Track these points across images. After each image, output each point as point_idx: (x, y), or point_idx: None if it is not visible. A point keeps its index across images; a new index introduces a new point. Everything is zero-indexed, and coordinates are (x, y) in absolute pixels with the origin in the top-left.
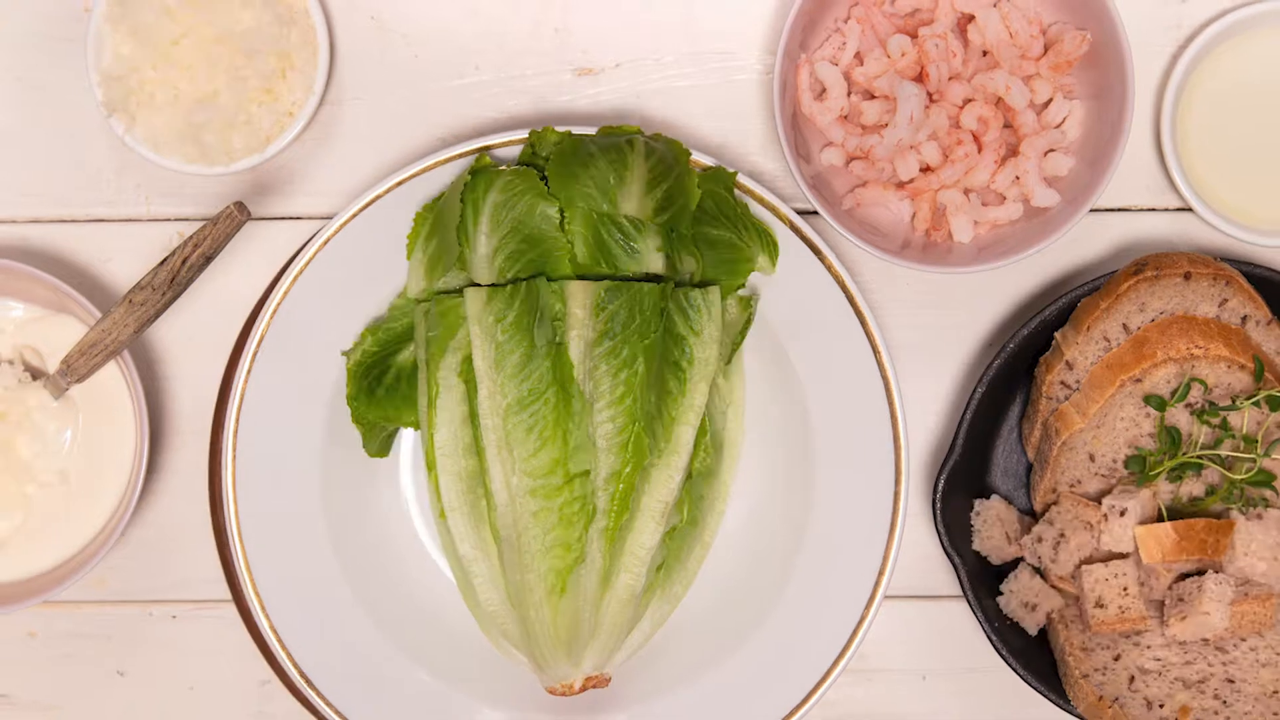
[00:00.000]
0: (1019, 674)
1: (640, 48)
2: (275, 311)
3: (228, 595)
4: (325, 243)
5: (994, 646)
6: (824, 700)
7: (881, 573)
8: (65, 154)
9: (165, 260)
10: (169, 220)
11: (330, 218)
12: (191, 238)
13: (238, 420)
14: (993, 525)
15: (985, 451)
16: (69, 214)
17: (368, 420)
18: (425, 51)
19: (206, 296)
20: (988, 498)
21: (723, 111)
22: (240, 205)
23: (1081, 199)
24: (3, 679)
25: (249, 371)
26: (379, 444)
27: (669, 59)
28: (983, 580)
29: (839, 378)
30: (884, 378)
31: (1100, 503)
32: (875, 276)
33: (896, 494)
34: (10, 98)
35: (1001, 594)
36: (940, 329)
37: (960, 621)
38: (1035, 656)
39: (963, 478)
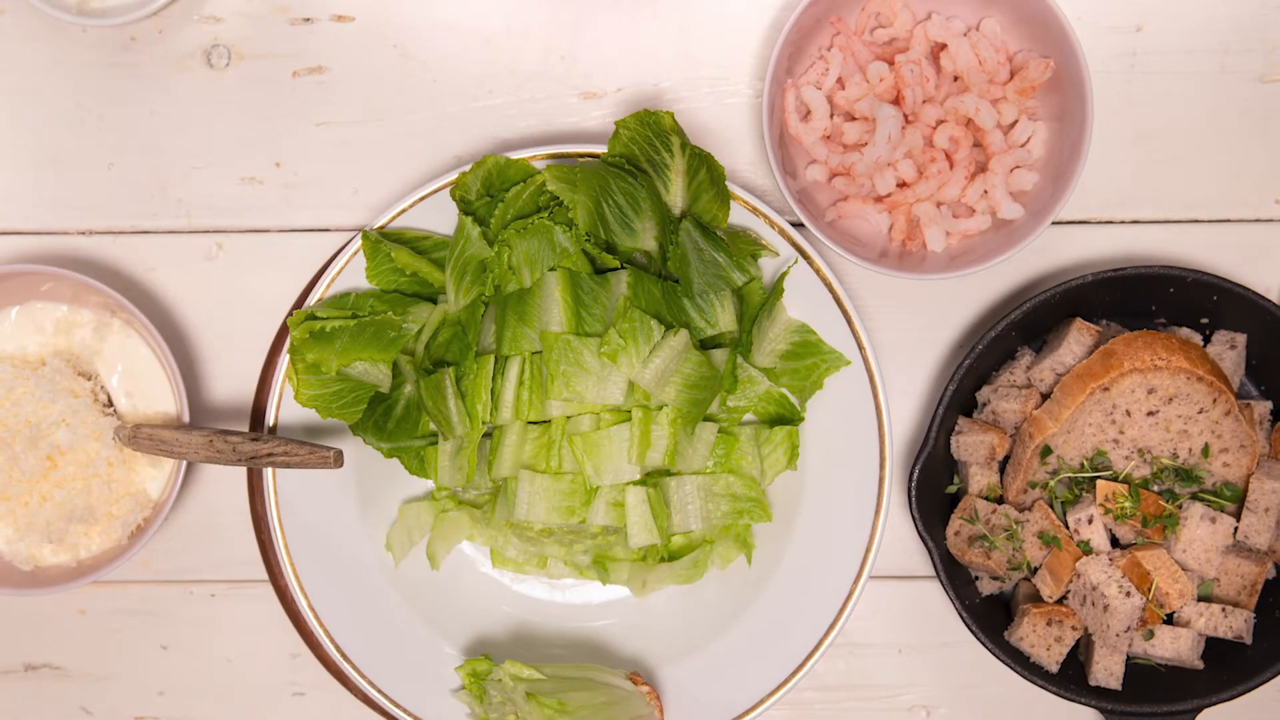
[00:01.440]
0: (988, 648)
1: (640, 74)
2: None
3: (263, 575)
4: (358, 250)
5: (965, 623)
6: (811, 672)
7: (866, 555)
8: (113, 171)
9: (262, 440)
10: (208, 232)
11: (357, 229)
12: (289, 447)
13: (277, 412)
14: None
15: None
16: (116, 226)
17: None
18: (443, 77)
19: (243, 301)
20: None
21: (716, 132)
22: (339, 455)
23: (1044, 212)
24: (55, 652)
25: (286, 369)
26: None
27: (666, 84)
28: (954, 562)
29: (828, 376)
30: (869, 375)
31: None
32: (855, 283)
33: (881, 482)
34: (69, 120)
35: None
36: (915, 332)
37: (933, 600)
38: (1002, 631)
39: (936, 468)
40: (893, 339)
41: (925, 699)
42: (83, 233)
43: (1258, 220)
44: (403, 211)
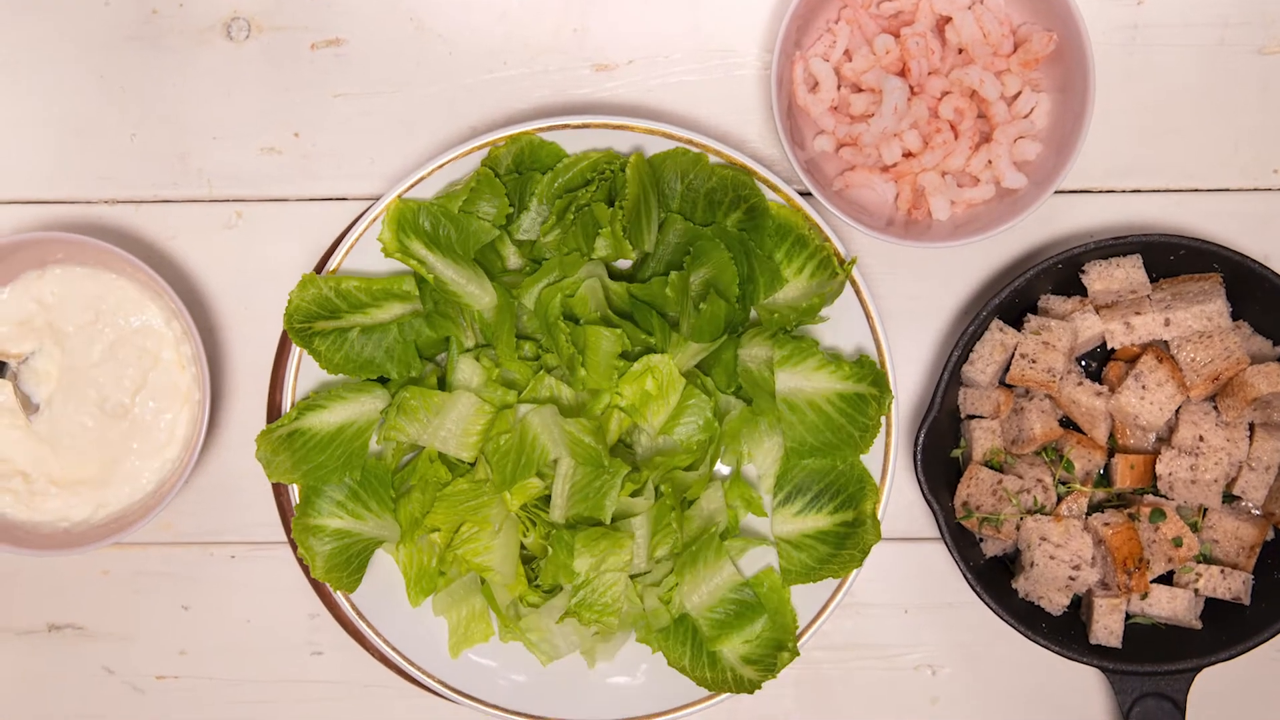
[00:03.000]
0: (992, 609)
1: (651, 47)
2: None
3: (282, 537)
4: (376, 218)
5: (970, 584)
6: (819, 631)
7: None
8: (135, 141)
9: None
10: (228, 201)
11: (374, 198)
12: None
13: (296, 376)
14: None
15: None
16: (138, 195)
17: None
18: (459, 50)
19: (262, 268)
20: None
21: (725, 104)
22: None
23: (1048, 181)
24: (79, 612)
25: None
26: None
27: (677, 56)
28: (960, 525)
29: (838, 341)
30: (876, 341)
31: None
32: (862, 252)
33: (887, 447)
34: (93, 92)
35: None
36: (921, 300)
37: (939, 562)
38: (1005, 592)
39: (941, 433)
40: (899, 307)
41: (930, 658)
42: (106, 201)
43: (1256, 189)
44: (421, 180)
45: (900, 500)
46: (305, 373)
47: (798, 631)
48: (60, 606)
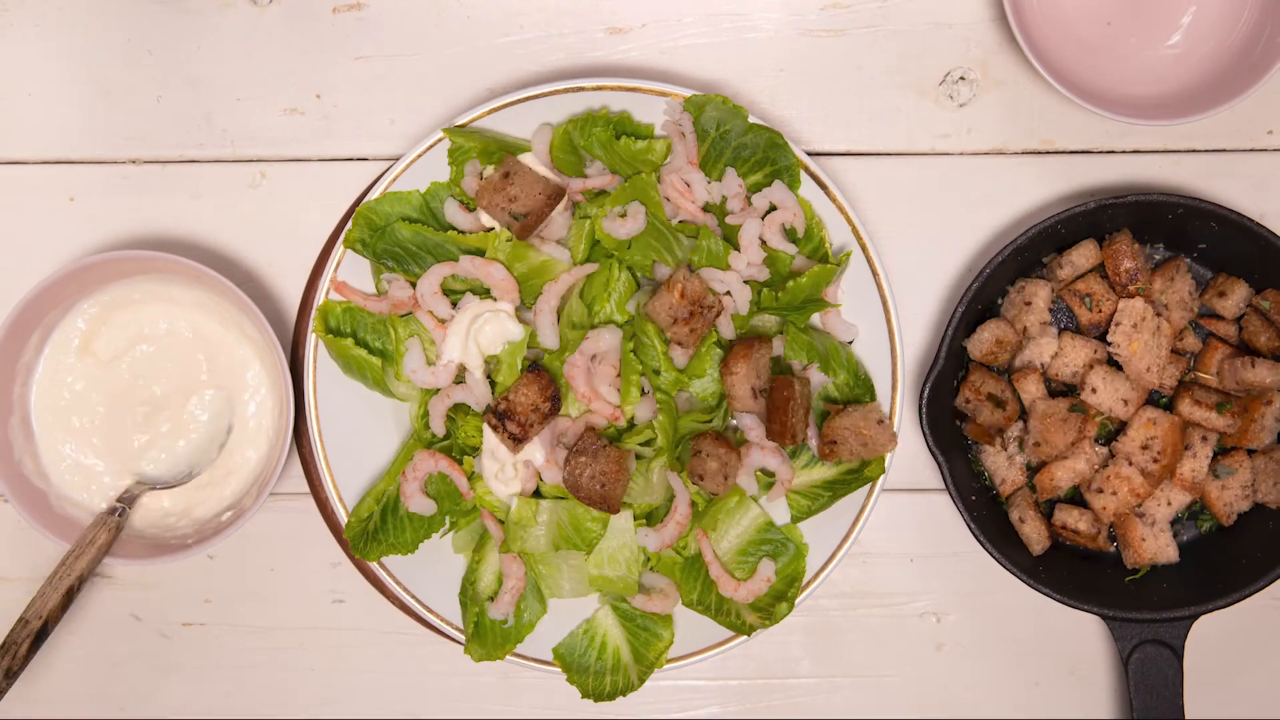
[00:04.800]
0: (994, 556)
1: (664, 10)
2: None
3: (305, 489)
4: (397, 177)
5: (973, 533)
6: (827, 580)
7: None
8: (161, 103)
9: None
10: (252, 161)
11: (394, 158)
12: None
13: (316, 390)
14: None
15: (963, 364)
16: (163, 155)
17: None
18: (476, 13)
19: (285, 226)
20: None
21: (736, 67)
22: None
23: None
24: (107, 562)
25: (326, 293)
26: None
27: (689, 20)
28: (963, 476)
29: (845, 298)
30: (882, 298)
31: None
32: (874, 218)
33: (893, 402)
34: (120, 55)
35: None
36: (928, 259)
37: (943, 512)
38: (1007, 542)
39: (946, 388)
40: (908, 261)
41: (935, 606)
42: (132, 161)
43: (1252, 150)
44: (440, 140)
45: (905, 452)
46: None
47: (807, 579)
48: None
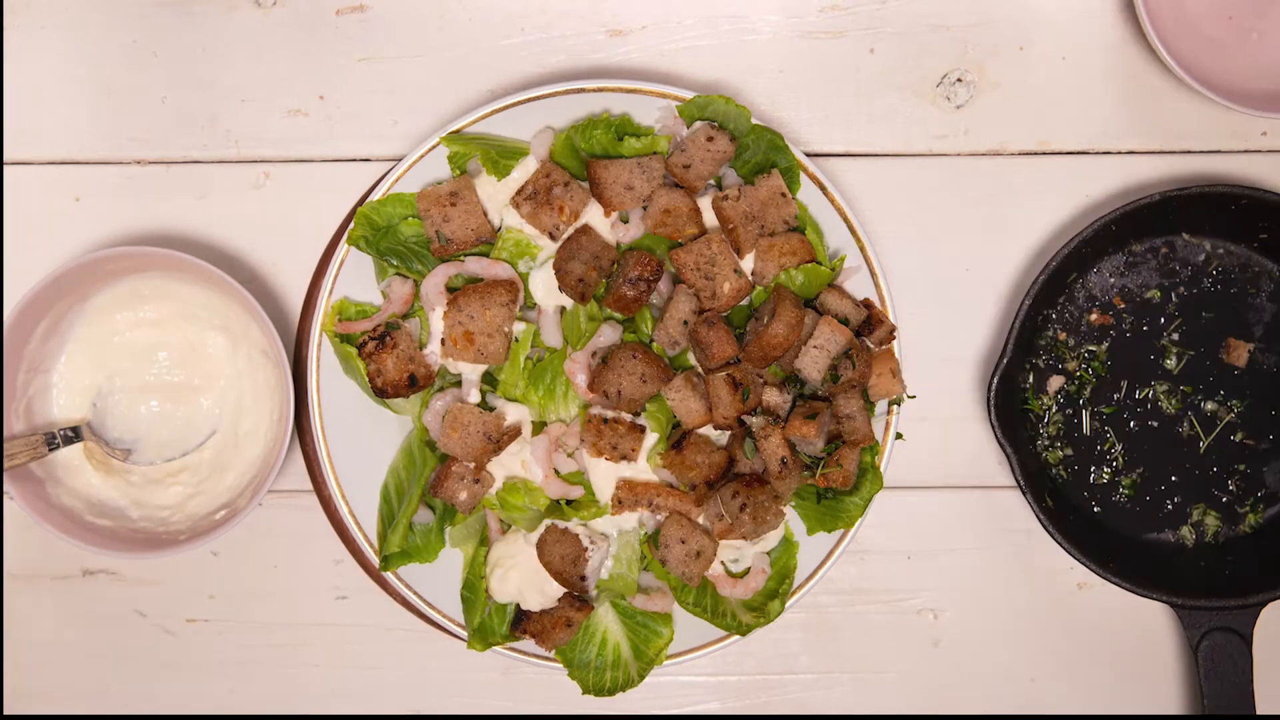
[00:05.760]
0: (1064, 548)
1: (664, 12)
2: (332, 289)
3: (308, 485)
4: (399, 178)
5: (1042, 525)
6: (825, 577)
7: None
8: (166, 104)
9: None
10: (256, 162)
11: (397, 159)
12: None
13: (320, 333)
14: None
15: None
16: (168, 156)
17: None
18: (478, 15)
19: (288, 227)
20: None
21: (736, 69)
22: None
23: None
24: (112, 558)
25: (330, 293)
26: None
27: (689, 22)
28: (1032, 470)
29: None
30: (880, 297)
31: None
32: (871, 216)
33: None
34: (125, 56)
35: None
36: (923, 260)
37: (939, 509)
38: (1076, 533)
39: (1012, 380)
40: (904, 264)
41: (932, 603)
42: (137, 162)
43: (1246, 151)
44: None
45: (902, 449)
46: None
47: (804, 576)
48: (94, 552)
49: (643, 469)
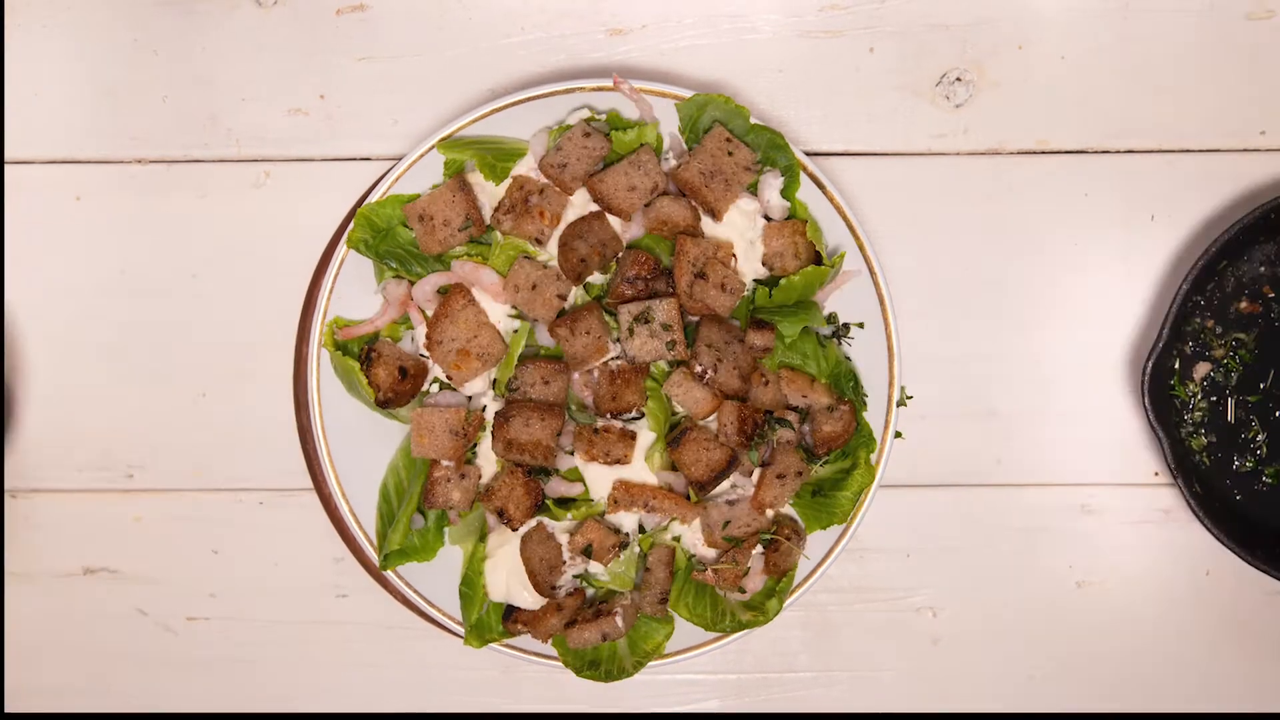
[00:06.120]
0: (1214, 534)
1: (664, 11)
2: (330, 296)
3: (308, 484)
4: (399, 177)
5: (1193, 511)
6: (825, 575)
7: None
8: (167, 103)
9: None
10: (256, 161)
11: (397, 158)
12: None
13: (320, 327)
14: None
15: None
16: (169, 155)
17: None
18: (478, 14)
19: (289, 226)
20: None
21: (735, 68)
22: None
23: None
24: (112, 557)
25: (330, 291)
26: None
27: (689, 21)
28: (1185, 460)
29: (840, 299)
30: (879, 295)
31: None
32: (869, 215)
33: (890, 399)
34: (126, 56)
35: None
36: (921, 259)
37: (939, 507)
38: (1225, 520)
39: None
40: (903, 263)
41: (931, 601)
42: (138, 161)
43: (1245, 150)
44: (444, 139)
45: (898, 446)
46: (327, 389)
47: (803, 576)
48: (95, 551)
49: (639, 469)
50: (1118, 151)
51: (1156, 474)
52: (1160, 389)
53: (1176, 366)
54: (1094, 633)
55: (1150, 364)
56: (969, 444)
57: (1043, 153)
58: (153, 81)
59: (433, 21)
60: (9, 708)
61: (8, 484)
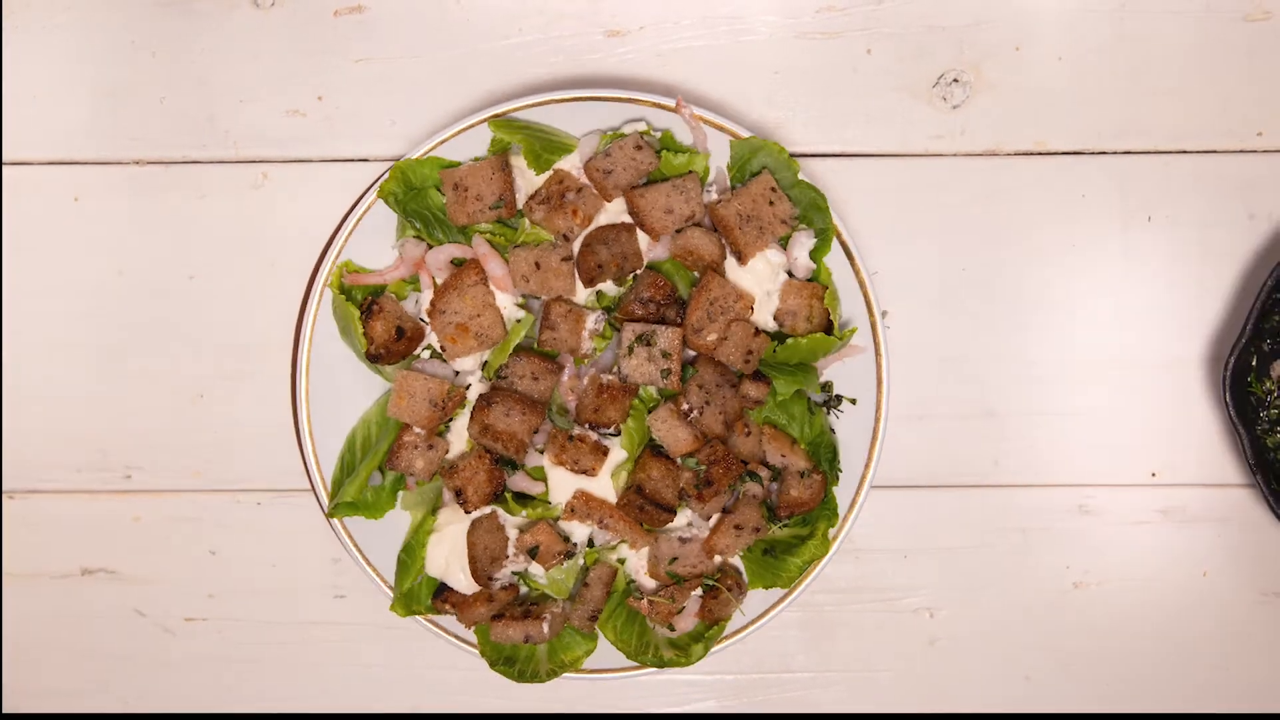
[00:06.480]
0: None
1: (661, 13)
2: (348, 239)
3: (306, 485)
4: (444, 140)
5: (1273, 511)
6: (821, 575)
7: (868, 467)
8: (165, 104)
9: None
10: (254, 162)
11: (395, 159)
12: None
13: (313, 330)
14: None
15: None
16: (167, 156)
17: None
18: (476, 16)
19: (287, 226)
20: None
21: (732, 69)
22: None
23: None
24: (111, 557)
25: (321, 294)
26: None
27: (686, 23)
28: (1263, 457)
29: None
30: (879, 380)
31: None
32: (865, 215)
33: (878, 406)
34: (124, 57)
35: None
36: (916, 259)
37: (936, 506)
38: None
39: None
40: (897, 265)
41: (928, 601)
42: (136, 162)
43: (1242, 151)
44: (442, 143)
45: (895, 447)
46: (321, 326)
47: (736, 628)
48: (93, 551)
49: (603, 484)
50: (1115, 152)
51: (1154, 475)
52: (1239, 386)
53: (1254, 363)
54: (1091, 633)
55: (1231, 361)
56: (966, 444)
57: (1040, 154)
58: (151, 82)
59: (430, 23)
60: (7, 708)
61: (6, 484)
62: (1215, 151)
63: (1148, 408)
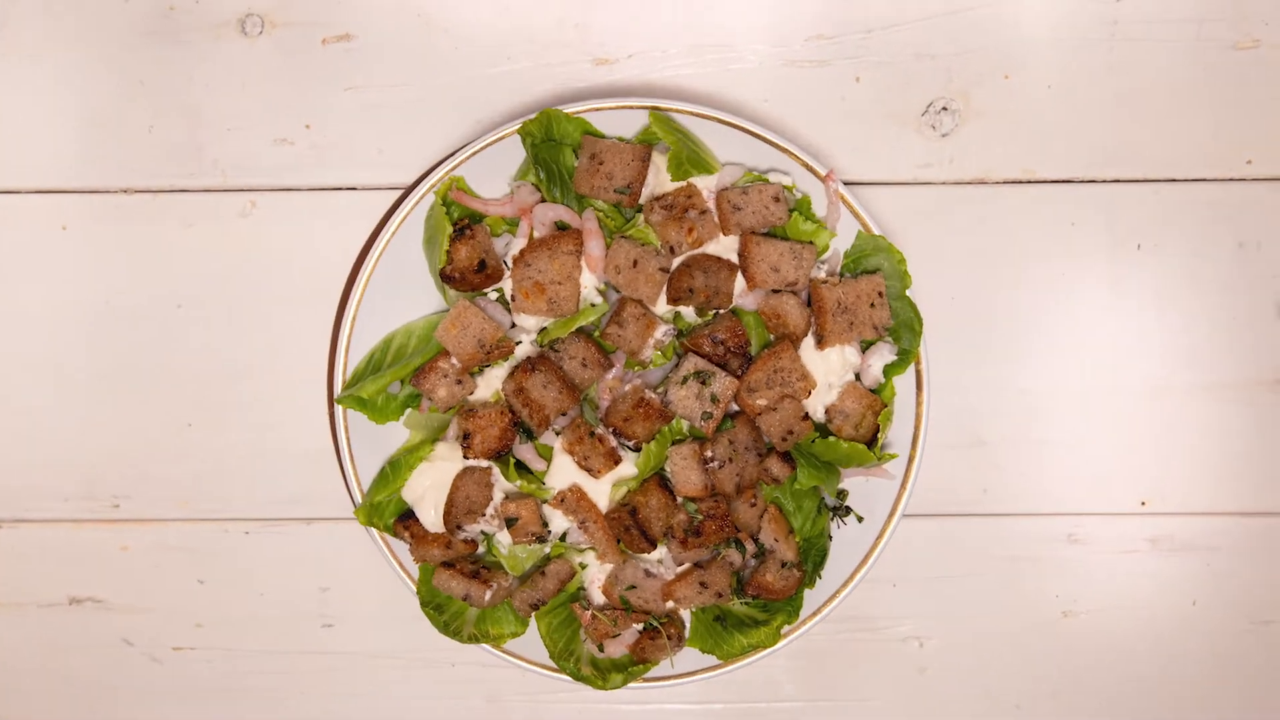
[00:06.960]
0: None
1: (650, 41)
2: (375, 266)
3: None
4: (599, 109)
5: None
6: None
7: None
8: (153, 133)
9: None
10: (242, 190)
11: (383, 189)
12: None
13: (346, 366)
14: None
15: None
16: (155, 184)
17: None
18: (464, 44)
19: (276, 255)
20: None
21: (721, 97)
22: None
23: None
24: (99, 586)
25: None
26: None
27: (674, 51)
28: None
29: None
30: (893, 512)
31: None
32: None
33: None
34: (112, 85)
35: None
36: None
37: (924, 537)
38: None
39: None
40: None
41: (918, 630)
42: (124, 190)
43: (1230, 179)
44: (461, 163)
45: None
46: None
47: (664, 673)
48: (81, 580)
49: (601, 490)
50: (1104, 181)
51: (1143, 503)
52: None
53: None
54: (1080, 662)
55: None
56: (956, 474)
57: (1029, 182)
58: (139, 111)
59: (419, 51)
60: None
61: None
62: (1204, 180)
63: (1137, 436)
